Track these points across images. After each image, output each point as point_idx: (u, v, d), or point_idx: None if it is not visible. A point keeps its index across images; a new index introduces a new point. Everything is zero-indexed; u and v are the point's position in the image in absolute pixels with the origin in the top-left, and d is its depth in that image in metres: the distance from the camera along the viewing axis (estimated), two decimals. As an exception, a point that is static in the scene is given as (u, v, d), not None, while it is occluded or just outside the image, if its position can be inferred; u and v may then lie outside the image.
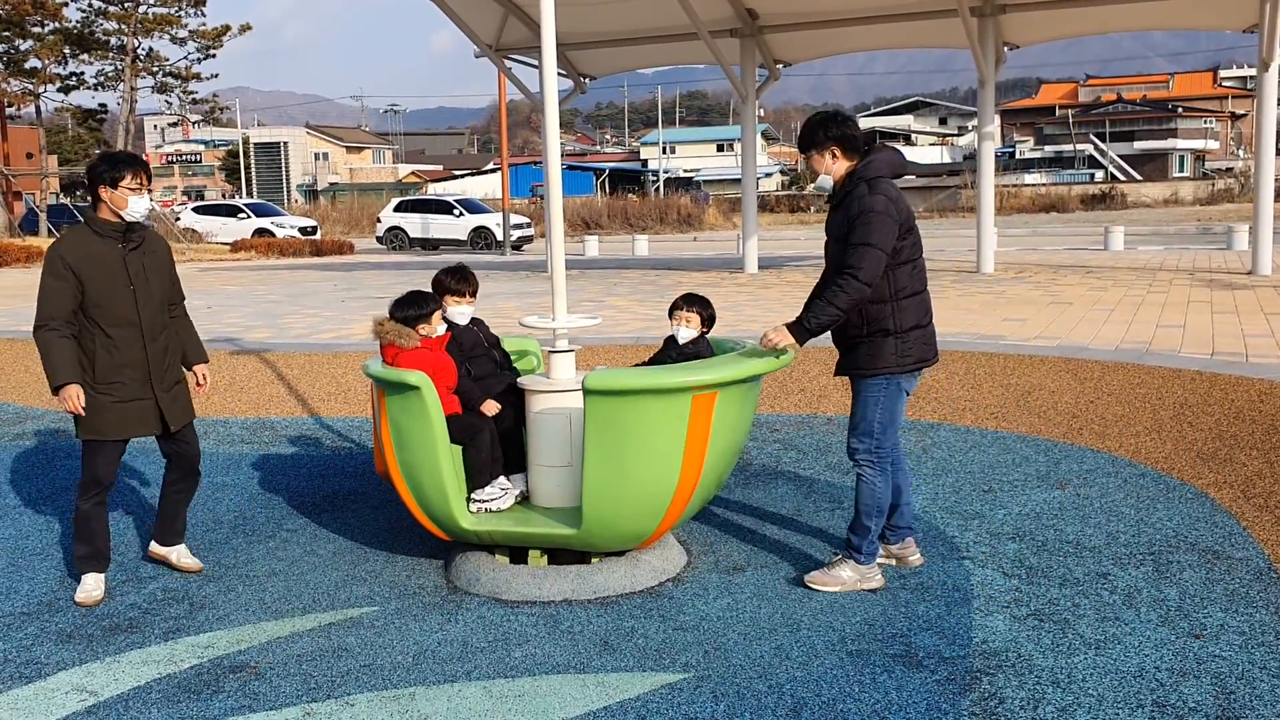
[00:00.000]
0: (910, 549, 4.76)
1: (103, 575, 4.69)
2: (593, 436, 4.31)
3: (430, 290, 5.09)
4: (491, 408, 4.83)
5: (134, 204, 4.49)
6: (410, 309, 4.82)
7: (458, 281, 5.13)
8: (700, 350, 4.99)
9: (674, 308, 5.08)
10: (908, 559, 4.75)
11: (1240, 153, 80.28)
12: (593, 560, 4.67)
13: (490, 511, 4.71)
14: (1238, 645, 3.86)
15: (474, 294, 5.17)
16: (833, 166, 4.38)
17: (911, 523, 4.76)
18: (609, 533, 4.51)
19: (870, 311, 4.31)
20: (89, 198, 4.55)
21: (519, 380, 4.96)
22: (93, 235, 4.46)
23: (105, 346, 4.47)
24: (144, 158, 4.75)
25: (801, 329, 4.30)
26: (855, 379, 4.47)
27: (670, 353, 5.06)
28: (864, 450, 4.43)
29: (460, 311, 5.13)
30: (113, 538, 5.44)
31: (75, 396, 4.38)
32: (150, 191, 4.65)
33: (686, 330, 5.02)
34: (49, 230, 36.86)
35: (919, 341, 4.38)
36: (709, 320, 5.08)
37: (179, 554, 4.99)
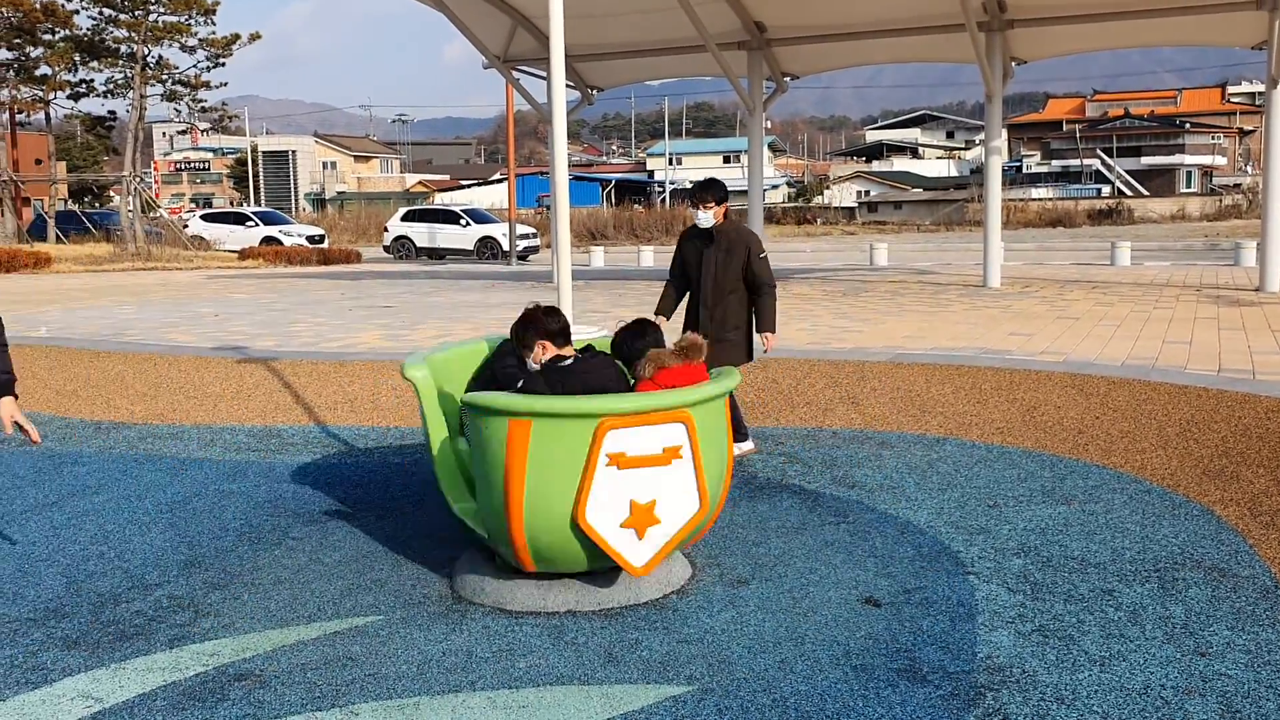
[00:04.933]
0: None
1: None
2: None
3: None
4: None
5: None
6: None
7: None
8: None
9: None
10: None
11: (1248, 169, 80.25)
12: (597, 572, 4.67)
13: None
14: (1244, 663, 3.86)
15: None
16: None
17: None
18: None
19: None
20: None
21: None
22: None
23: None
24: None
25: None
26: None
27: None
28: None
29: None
30: (119, 546, 5.46)
31: None
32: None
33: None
34: (57, 236, 37.00)
35: None
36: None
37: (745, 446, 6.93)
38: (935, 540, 5.28)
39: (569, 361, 4.85)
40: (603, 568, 4.53)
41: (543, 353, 4.86)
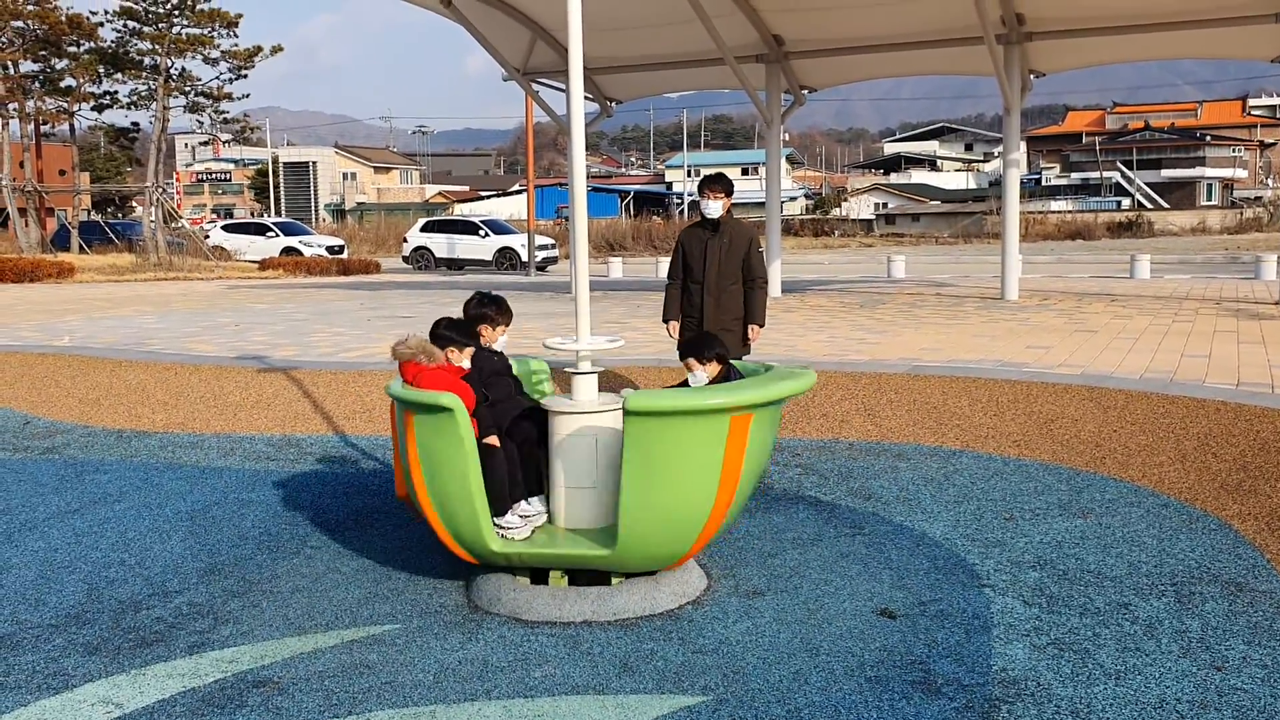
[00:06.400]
0: None
1: None
2: (631, 457, 4.33)
3: (469, 322, 5.16)
4: (493, 442, 4.79)
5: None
6: (455, 332, 4.90)
7: (498, 311, 5.25)
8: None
9: (684, 355, 5.36)
10: None
11: (1269, 182, 79.77)
12: (613, 582, 4.70)
13: (510, 540, 4.72)
14: (1260, 678, 3.85)
15: (509, 323, 5.34)
16: None
17: None
18: (642, 553, 4.53)
19: None
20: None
21: (543, 402, 5.00)
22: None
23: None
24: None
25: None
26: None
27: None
28: None
29: (501, 342, 5.30)
30: (140, 553, 5.51)
31: None
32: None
33: (699, 375, 5.17)
34: (80, 246, 37.31)
35: None
36: (722, 359, 5.23)
37: None
38: (951, 553, 5.28)
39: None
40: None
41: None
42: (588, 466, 4.75)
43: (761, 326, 7.10)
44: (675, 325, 7.17)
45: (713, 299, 6.98)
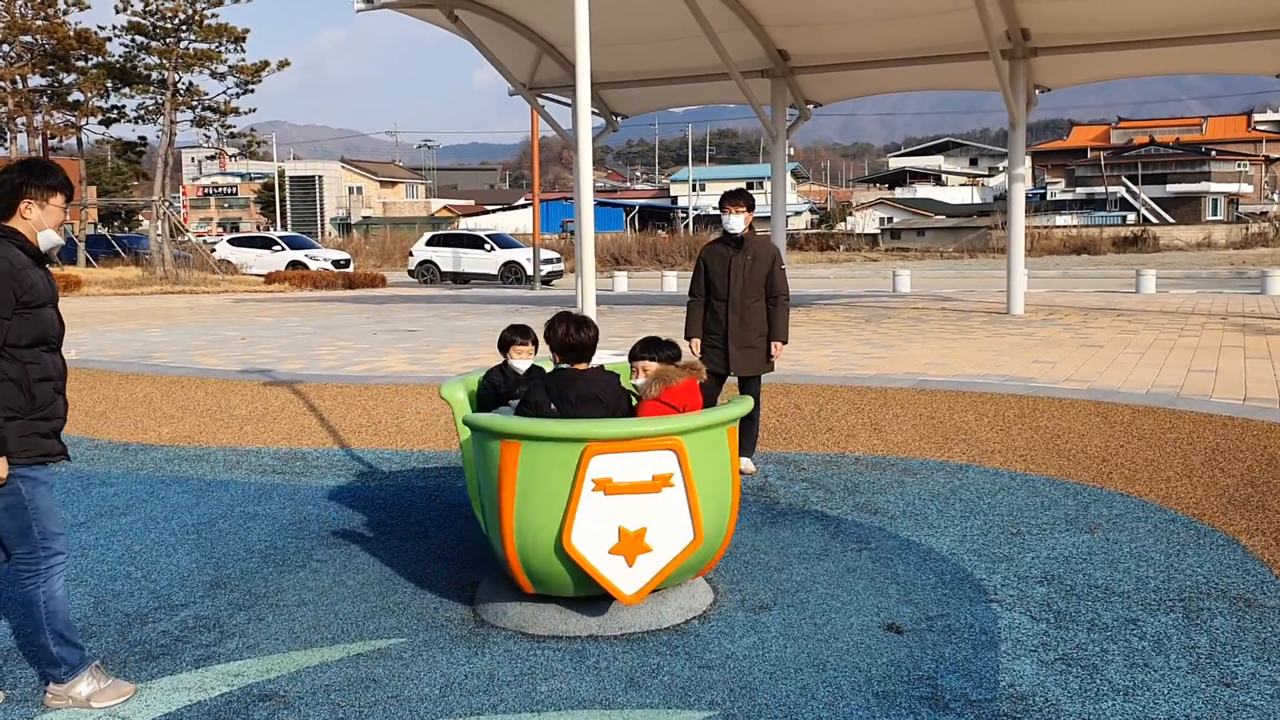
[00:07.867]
0: None
1: None
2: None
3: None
4: None
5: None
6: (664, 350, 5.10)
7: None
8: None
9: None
10: None
11: (1275, 196, 79.71)
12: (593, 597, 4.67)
13: None
14: (1269, 694, 3.83)
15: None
16: None
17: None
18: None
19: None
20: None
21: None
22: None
23: None
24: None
25: None
26: None
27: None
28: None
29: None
30: (146, 566, 5.52)
31: None
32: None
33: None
34: (87, 260, 37.42)
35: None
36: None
37: (745, 464, 7.05)
38: (958, 567, 5.26)
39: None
40: (592, 594, 4.48)
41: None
42: None
43: (785, 343, 7.09)
44: (697, 343, 7.15)
45: (737, 316, 6.95)
